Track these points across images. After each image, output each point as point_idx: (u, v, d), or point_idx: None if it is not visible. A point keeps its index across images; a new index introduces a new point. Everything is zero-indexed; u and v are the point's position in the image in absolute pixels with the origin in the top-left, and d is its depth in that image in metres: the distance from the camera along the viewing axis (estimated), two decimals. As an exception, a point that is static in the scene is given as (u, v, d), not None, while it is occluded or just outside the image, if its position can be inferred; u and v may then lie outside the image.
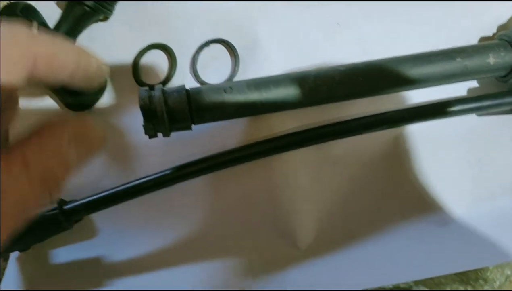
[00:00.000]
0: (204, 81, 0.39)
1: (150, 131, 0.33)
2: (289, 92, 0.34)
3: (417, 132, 0.39)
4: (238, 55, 0.39)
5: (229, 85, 0.34)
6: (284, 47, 0.40)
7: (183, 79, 0.40)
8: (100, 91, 0.41)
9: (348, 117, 0.39)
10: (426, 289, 0.44)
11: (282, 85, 0.34)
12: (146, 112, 0.32)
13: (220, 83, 0.35)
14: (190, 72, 0.40)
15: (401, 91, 0.37)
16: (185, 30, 0.40)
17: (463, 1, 0.40)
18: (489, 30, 0.41)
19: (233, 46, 0.39)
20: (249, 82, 0.35)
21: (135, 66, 0.41)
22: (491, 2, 0.41)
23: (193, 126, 0.35)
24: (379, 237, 0.39)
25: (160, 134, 0.34)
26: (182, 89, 0.33)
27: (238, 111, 0.34)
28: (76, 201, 0.39)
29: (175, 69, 0.41)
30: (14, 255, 0.41)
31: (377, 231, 0.39)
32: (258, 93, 0.34)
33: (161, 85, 0.33)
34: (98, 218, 0.41)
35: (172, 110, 0.33)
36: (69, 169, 0.22)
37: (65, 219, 0.38)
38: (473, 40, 0.41)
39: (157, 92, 0.33)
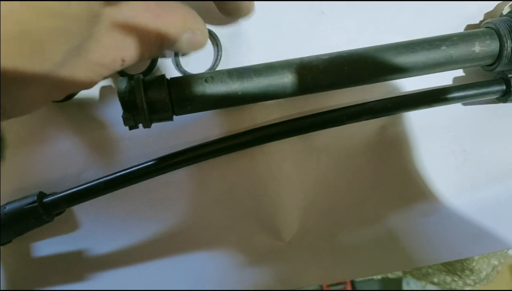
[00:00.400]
0: (186, 71, 0.39)
1: (130, 123, 0.32)
2: (272, 82, 0.34)
3: (401, 123, 0.39)
4: (220, 44, 0.39)
5: (210, 75, 0.33)
6: (267, 36, 0.39)
7: (165, 69, 0.40)
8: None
9: (333, 106, 0.38)
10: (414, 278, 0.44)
11: (264, 74, 0.34)
12: (125, 103, 0.32)
13: (201, 73, 0.34)
14: (172, 62, 0.39)
15: (385, 80, 0.37)
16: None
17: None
18: (476, 18, 0.40)
19: (216, 35, 0.39)
20: (230, 71, 0.34)
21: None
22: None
23: (174, 117, 0.34)
24: (364, 227, 0.39)
25: (140, 126, 0.33)
26: (162, 78, 0.32)
27: (220, 102, 0.34)
28: (56, 193, 0.38)
29: (157, 59, 0.40)
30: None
31: (362, 222, 0.39)
32: (240, 83, 0.33)
33: (140, 75, 0.32)
34: (79, 210, 0.41)
35: (152, 101, 0.32)
36: None
37: (45, 212, 0.37)
38: (459, 29, 0.40)
39: (136, 82, 0.32)
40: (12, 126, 0.40)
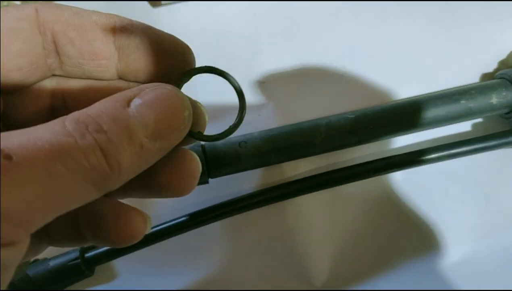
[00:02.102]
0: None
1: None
2: (302, 143, 0.36)
3: (424, 169, 0.41)
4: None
5: (243, 139, 0.35)
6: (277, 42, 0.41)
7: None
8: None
9: (357, 158, 0.40)
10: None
11: (294, 136, 0.36)
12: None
13: (234, 137, 0.36)
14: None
15: (408, 134, 0.39)
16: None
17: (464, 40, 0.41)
18: (490, 66, 0.42)
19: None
20: (262, 134, 0.36)
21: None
22: (491, 37, 0.42)
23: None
24: (391, 273, 0.41)
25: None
26: (197, 146, 0.34)
27: (253, 165, 0.35)
28: (96, 248, 0.40)
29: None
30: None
31: (389, 268, 0.41)
32: (272, 145, 0.35)
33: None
34: (116, 261, 0.42)
35: (190, 168, 0.34)
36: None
37: (86, 268, 0.39)
38: (475, 77, 0.42)
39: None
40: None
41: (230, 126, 0.22)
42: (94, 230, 0.22)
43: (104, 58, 0.21)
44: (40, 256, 0.40)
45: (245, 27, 0.42)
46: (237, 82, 0.22)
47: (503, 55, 0.42)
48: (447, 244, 0.41)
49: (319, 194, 0.40)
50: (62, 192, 0.16)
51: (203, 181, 0.35)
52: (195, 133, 0.21)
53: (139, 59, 0.21)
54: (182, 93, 0.20)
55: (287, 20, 0.42)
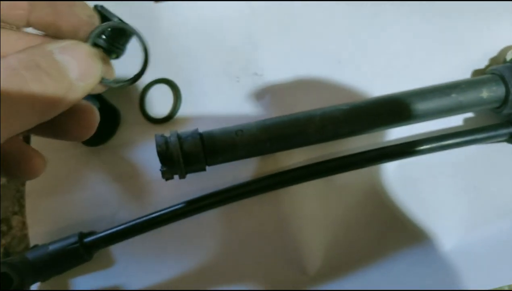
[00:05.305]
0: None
1: (168, 175, 0.35)
2: (297, 132, 0.37)
3: (416, 161, 0.42)
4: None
5: (240, 128, 0.36)
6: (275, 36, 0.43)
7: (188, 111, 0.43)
8: (114, 126, 0.43)
9: (351, 149, 0.41)
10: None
11: (290, 126, 0.37)
12: (163, 157, 0.34)
13: (231, 127, 0.37)
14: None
15: (400, 126, 0.40)
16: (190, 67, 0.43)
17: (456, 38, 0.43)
18: (481, 62, 0.43)
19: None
20: (258, 124, 0.37)
21: (142, 101, 0.43)
22: (482, 35, 0.43)
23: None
24: (383, 262, 0.42)
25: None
26: (196, 134, 0.35)
27: (249, 153, 0.37)
28: (95, 233, 0.41)
29: (180, 103, 0.43)
30: (33, 286, 0.43)
31: (381, 257, 0.42)
32: (267, 134, 0.36)
33: (176, 131, 0.35)
34: (114, 247, 0.43)
35: (187, 155, 0.35)
36: None
37: (85, 252, 0.40)
38: (467, 73, 0.43)
39: (172, 138, 0.35)
40: (49, 170, 0.43)
41: (134, 75, 0.27)
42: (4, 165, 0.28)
43: (21, 9, 0.26)
44: (41, 242, 0.40)
45: (244, 22, 0.43)
46: (143, 38, 0.27)
47: (494, 52, 0.43)
48: (438, 234, 0.42)
49: (313, 183, 0.41)
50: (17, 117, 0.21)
51: (200, 168, 0.36)
52: (106, 80, 0.27)
53: (49, 15, 0.26)
54: (94, 48, 0.26)
55: (285, 15, 0.43)
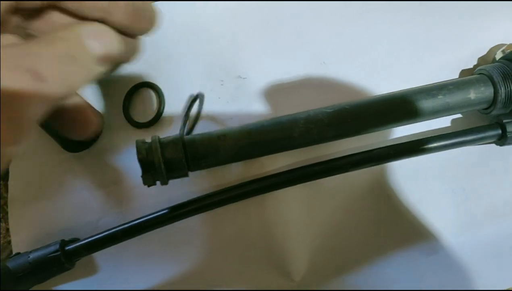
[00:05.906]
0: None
1: (149, 182, 0.34)
2: (281, 136, 0.36)
3: (403, 164, 0.41)
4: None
5: (223, 132, 0.35)
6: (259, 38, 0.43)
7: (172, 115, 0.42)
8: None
9: (337, 153, 0.40)
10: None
11: (273, 130, 0.36)
12: (144, 164, 0.33)
13: (214, 131, 0.36)
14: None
15: (386, 129, 0.39)
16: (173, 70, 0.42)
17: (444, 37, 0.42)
18: (470, 62, 0.42)
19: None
20: (242, 128, 0.36)
21: (125, 105, 0.42)
22: (471, 34, 0.42)
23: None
24: (370, 267, 0.41)
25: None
26: (177, 140, 0.34)
27: (233, 158, 0.36)
28: (77, 240, 0.40)
29: (163, 107, 0.42)
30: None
31: (368, 262, 0.41)
32: (250, 139, 0.35)
33: (157, 136, 0.34)
34: (98, 255, 0.43)
35: (169, 161, 0.34)
36: None
37: (66, 260, 0.39)
38: (455, 73, 0.42)
39: (153, 144, 0.34)
40: (32, 177, 0.42)
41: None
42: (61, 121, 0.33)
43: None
44: (24, 250, 0.40)
45: (227, 24, 0.42)
46: None
47: (483, 52, 0.42)
48: (427, 238, 0.41)
49: (298, 189, 0.40)
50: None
51: (182, 174, 0.35)
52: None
53: None
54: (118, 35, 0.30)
55: (269, 16, 0.42)
